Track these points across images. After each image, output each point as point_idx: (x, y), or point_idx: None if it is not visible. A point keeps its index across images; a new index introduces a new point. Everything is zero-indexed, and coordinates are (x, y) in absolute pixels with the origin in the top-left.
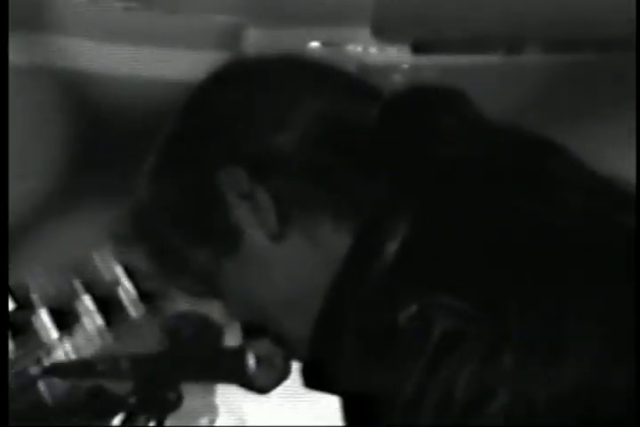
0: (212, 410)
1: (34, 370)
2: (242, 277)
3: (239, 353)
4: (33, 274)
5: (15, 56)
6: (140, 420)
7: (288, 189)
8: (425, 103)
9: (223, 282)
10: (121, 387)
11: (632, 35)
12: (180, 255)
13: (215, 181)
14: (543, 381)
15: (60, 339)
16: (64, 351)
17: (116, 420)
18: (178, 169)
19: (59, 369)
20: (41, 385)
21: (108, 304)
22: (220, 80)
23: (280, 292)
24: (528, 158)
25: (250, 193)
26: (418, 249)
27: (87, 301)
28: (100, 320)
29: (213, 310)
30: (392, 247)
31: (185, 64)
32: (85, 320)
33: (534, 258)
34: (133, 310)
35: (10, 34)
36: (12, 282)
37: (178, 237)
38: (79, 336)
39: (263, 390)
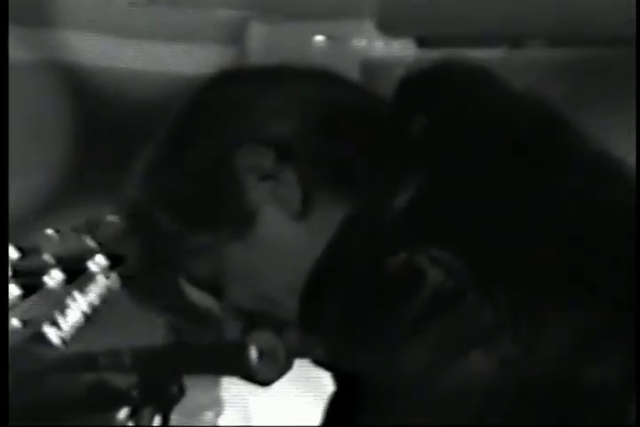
0: (218, 405)
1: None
2: (248, 262)
3: (241, 346)
4: (45, 235)
5: (18, 51)
6: (145, 414)
7: (310, 168)
8: (450, 76)
9: (226, 269)
10: (123, 381)
11: (634, 30)
12: (181, 245)
13: (230, 164)
14: (524, 345)
15: (75, 298)
16: (79, 310)
17: (122, 414)
18: (188, 153)
19: (61, 363)
20: (43, 378)
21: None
22: (229, 75)
23: (288, 273)
24: (547, 130)
25: (274, 172)
26: (420, 205)
27: (101, 258)
28: (114, 278)
29: (214, 303)
30: (398, 201)
31: (189, 59)
32: (99, 278)
33: (532, 226)
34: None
35: (13, 28)
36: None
37: (180, 226)
38: (93, 295)
39: (265, 382)
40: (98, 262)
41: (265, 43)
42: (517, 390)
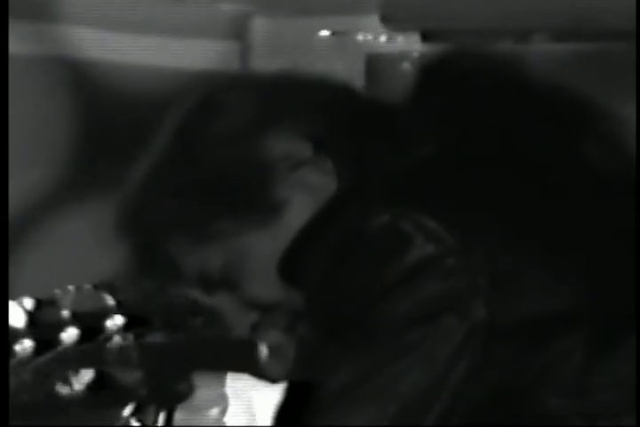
0: (223, 401)
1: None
2: (272, 250)
3: (251, 343)
4: (63, 289)
5: (20, 46)
6: (150, 410)
7: (340, 159)
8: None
9: (246, 258)
10: (130, 377)
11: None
12: (197, 233)
13: (261, 153)
14: (499, 312)
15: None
16: (90, 376)
17: (127, 410)
18: (215, 143)
19: (68, 358)
20: (47, 374)
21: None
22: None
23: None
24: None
25: (309, 160)
26: (412, 172)
27: (119, 319)
28: (131, 339)
29: (224, 301)
30: (392, 167)
31: (192, 53)
32: (116, 338)
33: (516, 198)
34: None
35: (14, 23)
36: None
37: (200, 212)
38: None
39: (274, 379)
40: (115, 322)
41: (269, 38)
42: (485, 354)
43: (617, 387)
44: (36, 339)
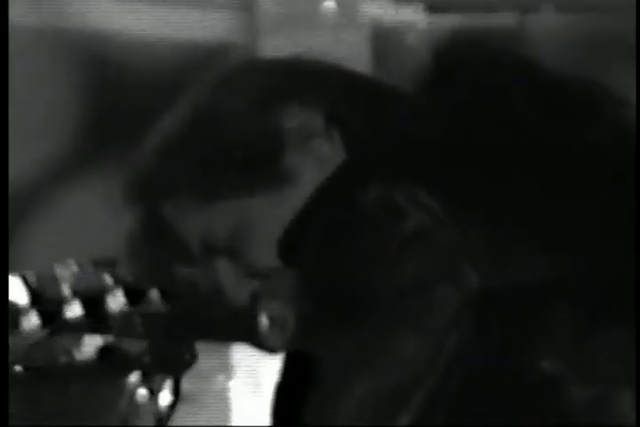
0: (228, 369)
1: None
2: (279, 219)
3: (252, 313)
4: (63, 264)
5: (27, 18)
6: (157, 379)
7: (352, 132)
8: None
9: (252, 226)
10: (135, 346)
11: None
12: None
13: (272, 124)
14: (493, 281)
15: (92, 332)
16: (95, 345)
17: (133, 379)
18: (229, 115)
19: (71, 326)
20: (52, 344)
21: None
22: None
23: None
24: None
25: (322, 131)
26: (404, 143)
27: (119, 295)
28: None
29: (225, 269)
30: (385, 137)
31: (200, 25)
32: (117, 313)
33: (508, 167)
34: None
35: None
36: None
37: (208, 182)
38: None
39: (274, 350)
40: (117, 299)
41: (275, 9)
42: (479, 323)
43: (612, 352)
44: (40, 313)
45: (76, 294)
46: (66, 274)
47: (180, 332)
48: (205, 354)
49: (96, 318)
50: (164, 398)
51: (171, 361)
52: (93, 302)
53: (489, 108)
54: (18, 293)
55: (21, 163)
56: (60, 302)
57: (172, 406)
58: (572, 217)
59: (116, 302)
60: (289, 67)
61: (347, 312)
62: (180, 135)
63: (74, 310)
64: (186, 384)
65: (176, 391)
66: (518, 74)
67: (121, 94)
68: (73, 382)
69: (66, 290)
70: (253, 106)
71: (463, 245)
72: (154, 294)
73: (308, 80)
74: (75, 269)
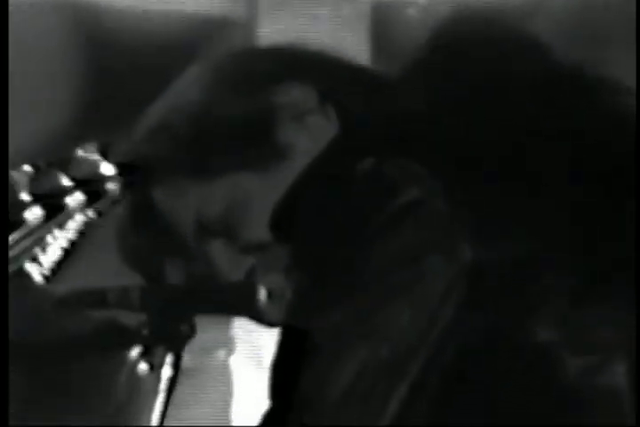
0: (229, 343)
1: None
2: (273, 193)
3: (250, 286)
4: (21, 170)
5: None
6: (158, 353)
7: (345, 109)
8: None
9: (248, 201)
10: (134, 319)
11: None
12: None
13: (267, 100)
14: (483, 251)
15: (54, 234)
16: (59, 246)
17: (134, 353)
18: (225, 92)
19: (69, 300)
20: (53, 318)
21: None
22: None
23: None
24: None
25: (317, 106)
26: (395, 116)
27: (79, 195)
28: (91, 213)
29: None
30: (376, 111)
31: None
32: (77, 215)
33: (496, 137)
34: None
35: None
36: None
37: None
38: (72, 230)
39: (273, 323)
40: (76, 199)
41: None
42: (471, 292)
43: (607, 322)
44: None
45: (35, 197)
46: (21, 179)
47: (178, 304)
48: (205, 327)
49: (56, 219)
50: (165, 372)
51: (170, 335)
52: (53, 205)
53: (484, 83)
54: None
55: (18, 136)
56: (17, 208)
57: (173, 381)
58: (563, 189)
59: (74, 200)
60: (284, 52)
61: (339, 284)
62: (175, 116)
63: (35, 214)
64: (186, 358)
65: (176, 366)
66: (520, 55)
67: (119, 68)
68: (74, 355)
69: (23, 195)
70: (249, 85)
71: (455, 217)
72: (111, 186)
73: (301, 63)
74: (30, 173)
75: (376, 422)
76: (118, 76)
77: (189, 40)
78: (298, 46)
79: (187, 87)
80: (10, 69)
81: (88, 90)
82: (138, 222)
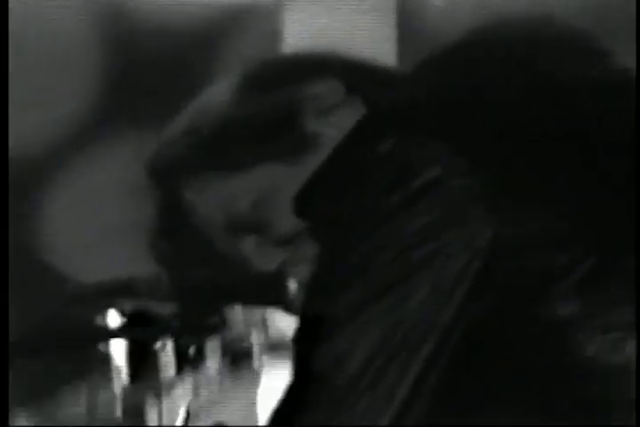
0: (257, 334)
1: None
2: (296, 188)
3: (280, 277)
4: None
5: None
6: (185, 343)
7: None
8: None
9: (276, 196)
10: (164, 310)
11: None
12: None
13: (298, 90)
14: (502, 233)
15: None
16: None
17: (162, 343)
18: (253, 88)
19: (101, 289)
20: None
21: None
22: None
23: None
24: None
25: (344, 100)
26: (412, 96)
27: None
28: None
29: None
30: (391, 94)
31: None
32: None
33: (517, 114)
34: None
35: None
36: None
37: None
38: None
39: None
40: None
41: None
42: (486, 276)
43: (623, 300)
44: None
45: None
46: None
47: (208, 296)
48: (233, 318)
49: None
50: (194, 363)
51: (199, 325)
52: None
53: (502, 68)
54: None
55: (38, 126)
56: None
57: (198, 370)
58: (582, 166)
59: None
60: (309, 54)
61: (355, 265)
62: (203, 117)
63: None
64: (212, 348)
65: (202, 355)
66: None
67: (142, 57)
68: (102, 343)
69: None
70: (276, 82)
71: (476, 196)
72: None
73: (327, 62)
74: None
75: (384, 410)
76: (146, 65)
77: (217, 27)
78: (322, 50)
79: (215, 91)
80: (31, 64)
81: (112, 82)
82: (168, 223)
